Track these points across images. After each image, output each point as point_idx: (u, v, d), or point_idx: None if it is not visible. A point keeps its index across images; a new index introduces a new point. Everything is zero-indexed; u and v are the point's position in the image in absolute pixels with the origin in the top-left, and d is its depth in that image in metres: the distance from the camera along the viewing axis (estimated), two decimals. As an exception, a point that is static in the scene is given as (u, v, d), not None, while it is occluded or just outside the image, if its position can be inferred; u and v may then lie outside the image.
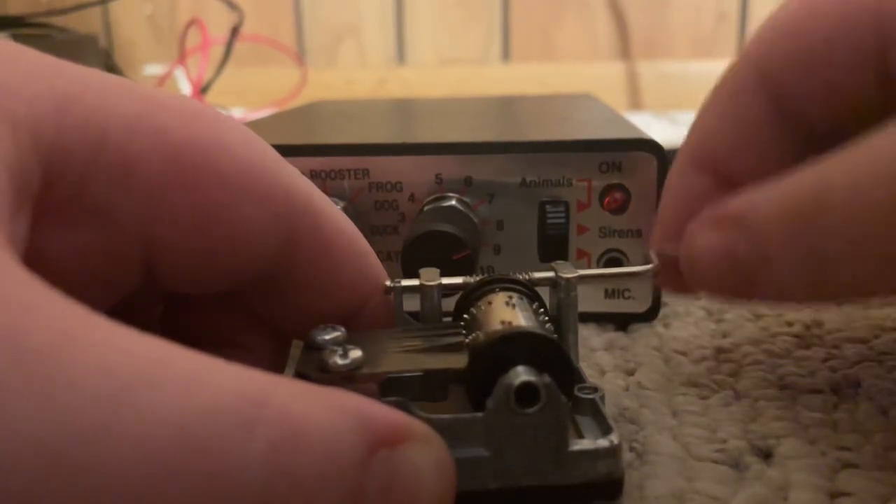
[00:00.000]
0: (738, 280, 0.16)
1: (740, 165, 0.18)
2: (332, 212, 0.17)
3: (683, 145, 0.20)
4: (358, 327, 0.17)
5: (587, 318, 0.25)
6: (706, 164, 0.19)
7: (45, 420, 0.09)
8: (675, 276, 0.18)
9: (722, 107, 0.19)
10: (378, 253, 0.18)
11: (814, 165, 0.15)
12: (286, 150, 0.16)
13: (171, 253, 0.15)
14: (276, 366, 0.18)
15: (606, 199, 0.24)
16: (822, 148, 0.15)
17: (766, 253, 0.15)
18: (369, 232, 0.18)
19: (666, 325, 0.25)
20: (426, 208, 0.24)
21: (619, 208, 0.24)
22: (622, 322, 0.25)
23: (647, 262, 0.19)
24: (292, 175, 0.16)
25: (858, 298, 0.18)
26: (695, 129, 0.20)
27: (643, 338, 0.24)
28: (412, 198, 0.25)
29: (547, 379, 0.14)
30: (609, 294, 0.25)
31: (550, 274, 0.18)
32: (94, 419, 0.09)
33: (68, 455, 0.09)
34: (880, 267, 0.13)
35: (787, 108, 0.18)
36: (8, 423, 0.09)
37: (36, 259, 0.13)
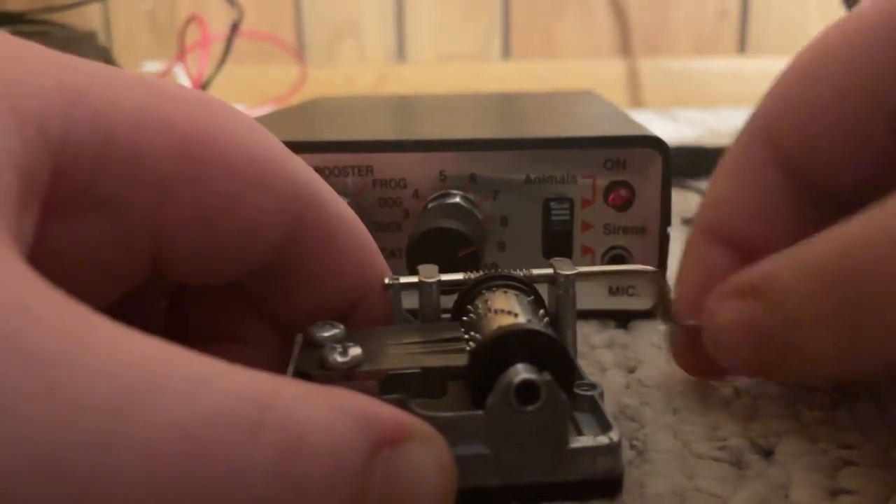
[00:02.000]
0: (766, 352, 0.15)
1: (755, 234, 0.18)
2: (337, 202, 0.17)
3: (697, 216, 0.19)
4: (357, 324, 0.17)
5: (591, 315, 0.25)
6: (721, 234, 0.19)
7: (50, 426, 0.09)
8: (696, 353, 0.18)
9: (732, 176, 0.19)
10: (382, 250, 0.18)
11: (835, 228, 0.14)
12: (289, 148, 0.16)
13: (179, 244, 0.15)
14: (280, 360, 0.18)
15: (611, 196, 0.24)
16: (838, 212, 0.14)
17: (793, 327, 0.15)
18: (373, 229, 0.18)
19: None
20: (430, 205, 0.24)
21: (624, 205, 0.24)
22: (624, 319, 0.25)
23: (668, 338, 0.19)
24: (298, 165, 0.16)
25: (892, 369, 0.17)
26: (707, 200, 0.19)
27: (644, 335, 0.24)
28: (416, 195, 0.25)
29: (547, 376, 0.14)
30: (613, 291, 0.25)
31: (549, 271, 0.18)
32: (100, 426, 0.09)
33: (73, 462, 0.09)
34: None
35: (799, 173, 0.18)
36: (12, 430, 0.08)
37: (44, 253, 0.13)
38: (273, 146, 0.16)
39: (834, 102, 0.17)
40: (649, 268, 0.19)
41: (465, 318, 0.17)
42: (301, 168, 0.16)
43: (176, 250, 0.15)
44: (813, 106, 0.17)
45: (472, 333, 0.16)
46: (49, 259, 0.13)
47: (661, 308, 0.19)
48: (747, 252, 0.18)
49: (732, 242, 0.19)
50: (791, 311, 0.15)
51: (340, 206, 0.17)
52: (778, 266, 0.15)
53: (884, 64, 0.16)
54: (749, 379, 0.20)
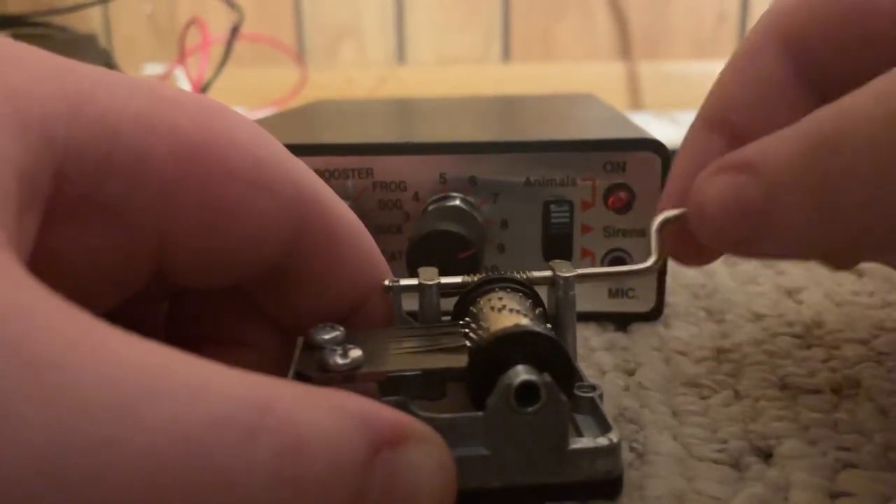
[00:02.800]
0: (747, 227, 0.15)
1: (757, 126, 0.18)
2: (339, 206, 0.17)
3: (701, 107, 0.19)
4: (357, 326, 0.17)
5: (591, 317, 0.25)
6: (721, 124, 0.19)
7: (50, 431, 0.09)
8: (682, 240, 0.18)
9: (740, 67, 0.19)
10: (382, 252, 0.18)
11: (827, 107, 0.14)
12: (290, 150, 0.16)
13: (183, 248, 0.15)
14: (281, 363, 0.18)
15: (611, 199, 0.24)
16: None
17: (777, 195, 0.14)
18: (373, 231, 0.18)
19: (666, 326, 0.25)
20: (430, 208, 0.24)
21: (624, 208, 0.24)
22: (624, 322, 0.25)
23: (654, 224, 0.19)
24: (300, 169, 0.16)
25: (866, 256, 0.17)
26: (712, 91, 0.19)
27: (643, 338, 0.24)
28: (416, 197, 0.25)
29: (547, 378, 0.14)
30: (613, 293, 0.25)
31: (549, 273, 0.18)
32: (100, 431, 0.09)
33: (73, 467, 0.09)
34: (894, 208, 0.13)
35: (809, 65, 0.18)
36: (12, 434, 0.08)
37: (46, 257, 0.13)
38: (275, 150, 0.16)
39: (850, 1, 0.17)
40: (647, 264, 0.19)
41: (464, 320, 0.17)
42: (303, 172, 0.16)
43: (178, 255, 0.15)
44: (829, 3, 0.17)
45: (472, 335, 0.16)
46: (52, 263, 0.13)
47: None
48: (747, 142, 0.17)
49: (733, 132, 0.18)
50: (772, 181, 0.15)
51: (343, 210, 0.17)
52: (769, 141, 0.15)
53: None
54: (750, 381, 0.20)
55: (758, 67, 0.18)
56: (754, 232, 0.15)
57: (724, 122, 0.19)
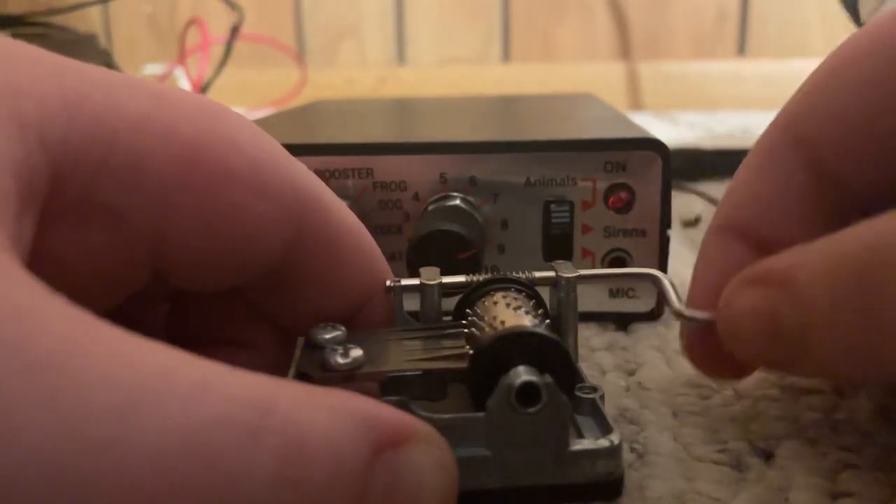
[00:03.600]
0: (782, 347, 0.15)
1: (777, 232, 0.17)
2: (339, 207, 0.17)
3: (716, 213, 0.19)
4: (358, 326, 0.17)
5: (591, 317, 0.25)
6: (741, 231, 0.18)
7: (52, 432, 0.09)
8: (711, 350, 0.17)
9: (755, 173, 0.18)
10: (382, 253, 0.18)
11: (865, 223, 0.13)
12: (289, 150, 0.16)
13: (181, 251, 0.15)
14: (281, 363, 0.18)
15: (611, 199, 0.24)
16: (862, 215, 0.14)
17: (813, 317, 0.14)
18: (373, 231, 0.18)
19: (667, 326, 0.25)
20: (430, 208, 0.24)
21: (624, 208, 0.24)
22: (624, 322, 0.25)
23: (681, 334, 0.18)
24: (300, 171, 0.16)
25: None
26: (729, 196, 0.19)
27: (644, 338, 0.24)
28: (416, 197, 0.25)
29: (548, 379, 0.14)
30: (614, 293, 0.25)
31: (550, 273, 0.18)
32: (102, 432, 0.09)
33: (76, 468, 0.09)
34: None
35: (826, 173, 0.17)
36: (14, 436, 0.08)
37: (44, 259, 0.13)
38: (276, 152, 0.16)
39: (863, 101, 0.16)
40: (650, 270, 0.19)
41: (466, 321, 0.17)
42: (303, 174, 0.16)
43: (178, 257, 0.15)
44: (842, 105, 0.17)
45: (474, 336, 0.16)
46: (50, 265, 0.13)
47: (667, 305, 0.18)
48: (766, 250, 0.17)
49: (752, 239, 0.18)
50: (810, 302, 0.14)
51: (343, 212, 0.17)
52: (801, 255, 0.14)
53: None
54: (750, 381, 0.20)
55: (774, 170, 0.18)
56: (789, 352, 0.15)
57: (745, 228, 0.18)
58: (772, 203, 0.18)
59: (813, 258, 0.14)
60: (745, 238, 0.18)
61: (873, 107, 0.16)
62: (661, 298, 0.18)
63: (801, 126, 0.18)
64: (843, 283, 0.13)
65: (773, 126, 0.18)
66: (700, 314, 0.17)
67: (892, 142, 0.16)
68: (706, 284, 0.18)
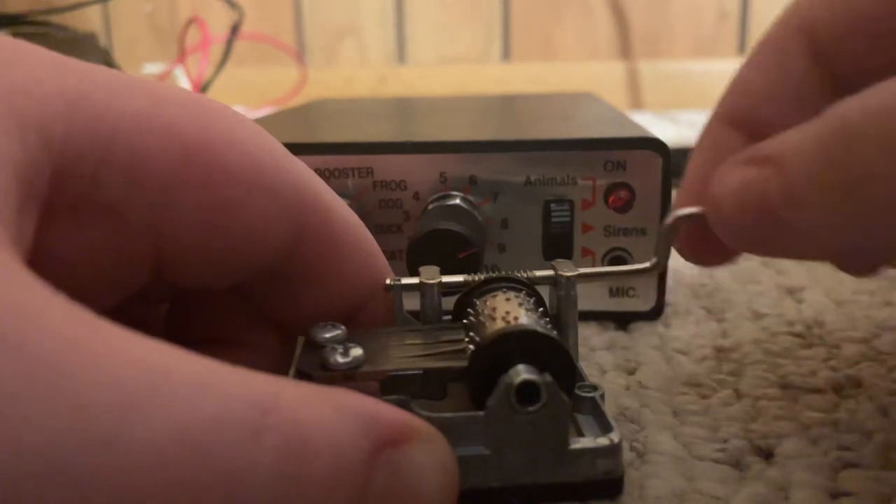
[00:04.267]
0: (766, 222, 0.15)
1: (779, 122, 0.17)
2: (340, 206, 0.17)
3: (718, 103, 0.19)
4: (359, 326, 0.17)
5: (591, 316, 0.25)
6: (741, 120, 0.18)
7: (53, 429, 0.09)
8: (699, 239, 0.18)
9: (761, 63, 0.18)
10: (382, 252, 0.18)
11: (851, 99, 0.14)
12: (290, 149, 0.16)
13: (182, 249, 0.15)
14: (282, 363, 0.18)
15: (611, 198, 0.24)
16: None
17: (799, 191, 0.14)
18: (373, 230, 0.18)
19: (667, 325, 0.25)
20: (431, 207, 0.24)
21: (624, 207, 0.24)
22: (624, 321, 0.25)
23: (668, 220, 0.18)
24: (300, 169, 0.16)
25: (889, 256, 0.17)
26: (731, 86, 0.19)
27: (644, 337, 0.24)
28: (416, 196, 0.25)
29: (548, 377, 0.14)
30: (613, 292, 0.25)
31: (550, 272, 0.18)
32: (102, 429, 0.09)
33: (76, 465, 0.09)
34: None
35: (830, 59, 0.17)
36: (14, 432, 0.08)
37: (44, 257, 0.13)
38: (276, 151, 0.16)
39: None
40: (648, 264, 0.19)
41: (465, 320, 0.17)
42: (304, 172, 0.16)
43: (178, 255, 0.15)
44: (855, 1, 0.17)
45: (473, 335, 0.16)
46: (50, 263, 0.13)
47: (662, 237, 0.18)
48: (764, 138, 0.17)
49: (752, 128, 0.18)
50: (796, 176, 0.14)
51: (343, 211, 0.17)
52: (789, 135, 0.15)
53: None
54: (750, 381, 0.20)
55: (780, 62, 0.18)
56: (775, 229, 0.15)
57: (745, 117, 0.18)
58: (772, 91, 0.18)
59: (803, 135, 0.14)
60: (743, 127, 0.18)
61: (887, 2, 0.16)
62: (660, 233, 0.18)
63: (803, 14, 0.18)
64: (826, 153, 0.14)
65: (783, 18, 0.18)
66: (689, 210, 0.17)
67: (889, 26, 0.16)
68: (701, 173, 0.18)
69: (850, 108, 0.14)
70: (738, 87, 0.19)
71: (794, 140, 0.15)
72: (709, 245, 0.17)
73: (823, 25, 0.18)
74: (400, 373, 0.15)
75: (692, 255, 0.19)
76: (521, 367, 0.14)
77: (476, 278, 0.18)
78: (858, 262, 0.18)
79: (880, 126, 0.13)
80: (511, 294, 0.17)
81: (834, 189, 0.14)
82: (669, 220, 0.18)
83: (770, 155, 0.15)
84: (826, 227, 0.14)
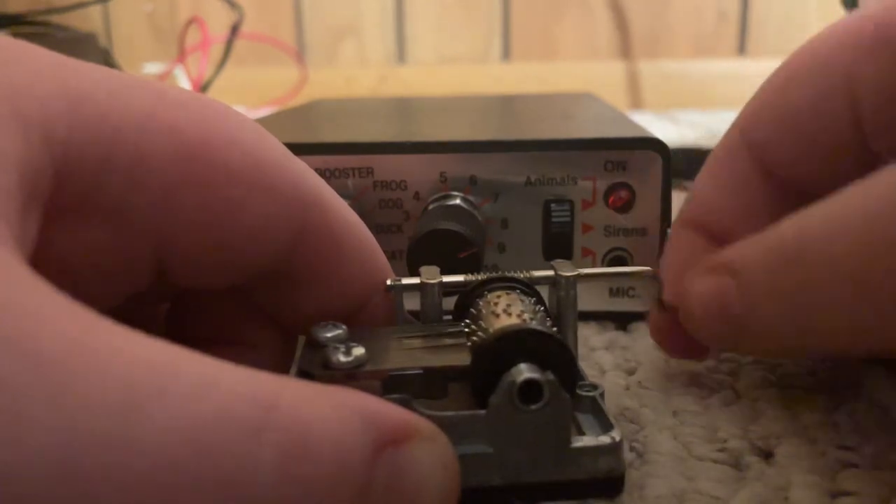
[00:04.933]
0: (728, 326, 0.16)
1: (733, 225, 0.20)
2: (340, 206, 0.17)
3: (680, 209, 0.21)
4: (360, 325, 0.17)
5: (591, 316, 0.25)
6: (700, 224, 0.20)
7: (57, 428, 0.09)
8: (676, 333, 0.19)
9: (713, 172, 0.21)
10: (383, 252, 0.18)
11: (790, 220, 0.15)
12: (290, 149, 0.16)
13: (183, 249, 0.15)
14: (283, 363, 0.18)
15: (611, 198, 0.24)
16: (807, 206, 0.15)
17: (752, 300, 0.16)
18: (374, 231, 0.18)
19: (667, 325, 0.25)
20: (431, 207, 0.24)
21: (624, 207, 0.24)
22: (624, 321, 0.25)
23: (650, 320, 0.20)
24: (301, 169, 0.16)
25: (838, 352, 0.19)
26: (691, 194, 0.21)
27: (643, 337, 0.24)
28: (417, 196, 0.25)
29: (550, 376, 0.14)
30: (614, 293, 0.25)
31: (550, 272, 0.18)
32: (105, 427, 0.09)
33: (80, 464, 0.09)
34: (858, 315, 0.14)
35: (771, 169, 0.19)
36: (18, 431, 0.09)
37: (47, 258, 0.13)
38: (277, 151, 0.16)
39: (804, 102, 0.18)
40: (649, 268, 0.19)
41: (466, 320, 0.17)
42: (305, 172, 0.16)
43: (179, 255, 0.15)
44: (786, 106, 0.19)
45: (475, 334, 0.16)
46: (53, 263, 0.13)
47: (657, 302, 0.20)
48: (724, 241, 0.19)
49: (712, 232, 0.20)
50: (751, 286, 0.16)
51: (344, 211, 0.17)
52: (745, 246, 0.16)
53: (851, 65, 0.18)
54: (750, 381, 0.20)
55: (728, 170, 0.20)
56: (734, 332, 0.16)
57: (703, 221, 0.20)
58: (726, 200, 0.20)
59: (754, 248, 0.16)
60: (704, 232, 0.20)
61: (805, 109, 0.18)
62: (657, 292, 0.20)
63: (752, 129, 0.20)
64: (776, 268, 0.15)
65: (731, 129, 0.20)
66: (669, 303, 0.19)
67: (830, 141, 0.18)
68: (672, 274, 0.20)
69: (790, 228, 0.15)
70: (698, 195, 0.21)
71: (746, 252, 0.16)
72: (689, 342, 0.19)
73: (760, 136, 0.19)
74: (401, 372, 0.15)
75: (675, 353, 0.21)
76: (523, 365, 0.14)
77: (476, 278, 0.18)
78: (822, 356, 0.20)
79: (812, 248, 0.14)
80: (511, 294, 0.17)
81: (780, 298, 0.15)
82: (662, 299, 0.20)
83: (726, 264, 0.16)
84: (778, 331, 0.15)
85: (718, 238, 0.20)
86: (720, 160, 0.20)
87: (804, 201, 0.15)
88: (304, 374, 0.15)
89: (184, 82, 0.67)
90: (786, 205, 0.18)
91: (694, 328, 0.18)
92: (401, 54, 0.87)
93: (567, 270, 0.18)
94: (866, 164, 0.15)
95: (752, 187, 0.20)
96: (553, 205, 0.24)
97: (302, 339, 0.17)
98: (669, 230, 0.20)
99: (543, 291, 0.18)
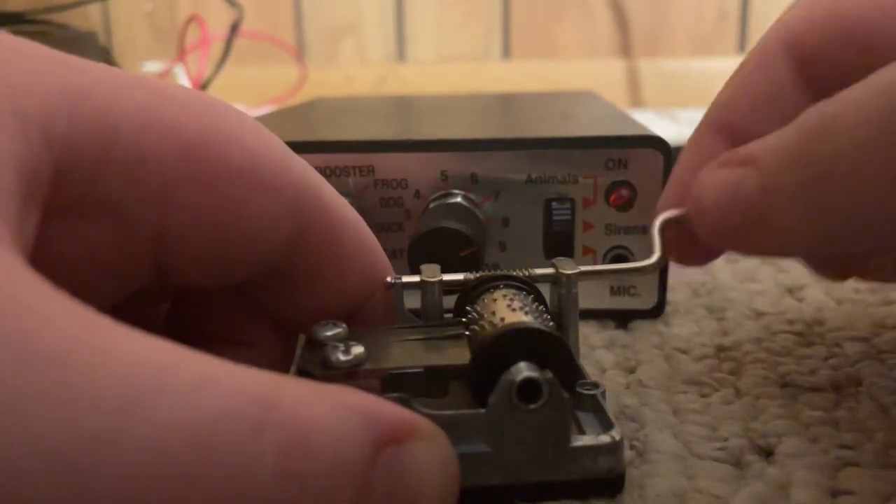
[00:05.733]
0: (743, 218, 0.16)
1: (762, 130, 0.18)
2: (341, 205, 0.17)
3: (707, 111, 0.20)
4: (360, 324, 0.17)
5: (592, 314, 0.25)
6: (727, 128, 0.19)
7: (56, 426, 0.09)
8: (682, 240, 0.18)
9: (748, 74, 0.19)
10: (383, 250, 0.18)
11: (823, 101, 0.14)
12: (291, 148, 0.16)
13: (183, 247, 0.15)
14: (281, 361, 0.18)
15: (612, 196, 0.24)
16: None
17: (772, 186, 0.15)
18: (374, 229, 0.18)
19: (667, 323, 0.25)
20: (432, 205, 0.24)
21: (625, 205, 0.24)
22: (625, 319, 0.25)
23: (655, 225, 0.19)
24: (302, 167, 0.16)
25: (859, 238, 0.17)
26: (719, 96, 0.20)
27: (644, 336, 0.24)
28: (417, 195, 0.25)
29: (549, 375, 0.14)
30: (615, 291, 0.25)
31: (551, 270, 0.18)
32: (104, 424, 0.09)
33: (80, 461, 0.09)
34: (883, 203, 0.13)
35: (815, 76, 0.18)
36: (18, 429, 0.08)
37: (46, 255, 0.13)
38: (277, 149, 0.16)
39: (859, 11, 0.17)
40: (650, 262, 0.19)
41: (466, 318, 0.17)
42: (305, 170, 0.16)
43: (179, 253, 0.15)
44: (837, 15, 0.18)
45: (474, 332, 0.16)
46: (52, 261, 0.13)
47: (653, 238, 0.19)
48: None
49: (739, 136, 0.19)
50: (770, 178, 0.15)
51: (345, 209, 0.17)
52: (767, 139, 0.16)
53: None
54: (750, 380, 0.20)
55: (766, 75, 0.19)
56: (750, 224, 0.16)
57: (730, 125, 0.19)
58: (757, 102, 0.19)
59: (776, 137, 0.15)
60: (729, 135, 0.19)
61: (865, 24, 0.17)
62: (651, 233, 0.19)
63: (793, 31, 0.19)
64: (799, 152, 0.14)
65: (769, 34, 0.19)
66: (672, 212, 0.19)
67: (881, 56, 0.17)
68: (685, 176, 0.19)
69: (821, 106, 0.14)
70: (725, 97, 0.20)
71: (770, 141, 0.15)
72: (693, 245, 0.18)
73: (806, 37, 0.18)
74: (401, 371, 0.15)
75: (678, 256, 0.20)
76: (522, 364, 0.14)
77: (477, 276, 0.18)
78: (832, 263, 0.18)
79: (846, 116, 0.14)
80: (511, 292, 0.17)
81: (805, 180, 0.14)
82: (656, 224, 0.19)
83: (747, 155, 0.16)
84: (798, 219, 0.15)
85: (743, 141, 0.18)
86: (755, 66, 0.19)
87: None
88: (304, 373, 0.15)
89: (183, 81, 0.67)
90: None
91: (704, 225, 0.17)
92: (401, 53, 0.87)
93: (568, 268, 0.18)
94: None
95: (789, 92, 0.19)
96: (554, 203, 0.24)
97: (302, 338, 0.17)
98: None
99: (544, 290, 0.18)
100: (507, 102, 0.42)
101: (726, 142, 0.19)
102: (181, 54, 0.67)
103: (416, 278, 0.18)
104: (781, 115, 0.18)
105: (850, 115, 0.14)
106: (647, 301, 0.25)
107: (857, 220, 0.14)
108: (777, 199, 0.15)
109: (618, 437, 0.15)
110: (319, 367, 0.15)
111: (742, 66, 0.20)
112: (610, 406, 0.17)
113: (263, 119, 0.33)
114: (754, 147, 0.16)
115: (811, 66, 0.18)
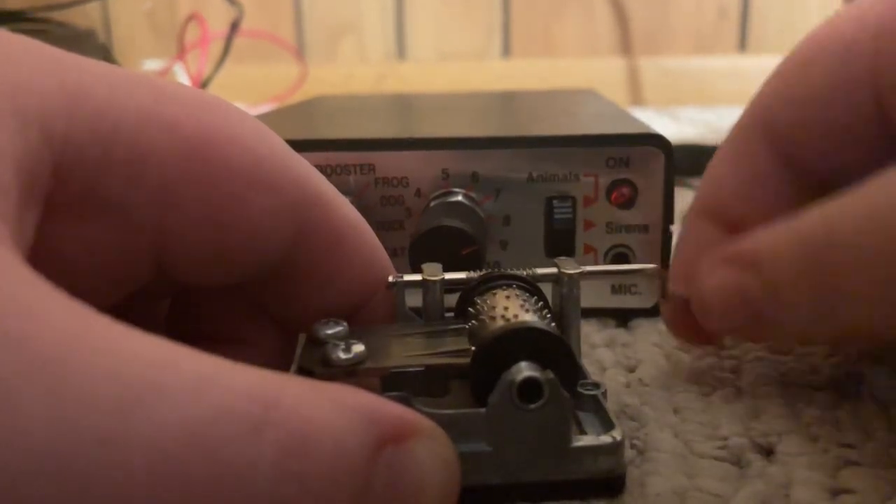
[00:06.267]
0: (750, 320, 0.16)
1: (748, 214, 0.19)
2: (342, 203, 0.17)
3: (694, 198, 0.21)
4: (361, 323, 0.17)
5: (593, 313, 0.25)
6: (715, 214, 0.20)
7: (55, 426, 0.09)
8: (687, 321, 0.19)
9: (729, 159, 0.20)
10: (384, 249, 0.18)
11: (821, 205, 0.15)
12: (291, 146, 0.16)
13: (183, 246, 0.15)
14: (283, 360, 0.18)
15: (614, 195, 0.24)
16: (824, 194, 0.15)
17: (778, 292, 0.16)
18: (375, 228, 0.18)
19: (667, 322, 0.25)
20: (433, 204, 0.24)
21: (627, 203, 0.24)
22: (625, 318, 0.25)
23: (662, 309, 0.20)
24: (302, 166, 0.16)
25: (866, 340, 0.19)
26: (704, 181, 0.20)
27: (644, 334, 0.24)
28: (418, 193, 0.25)
29: (550, 375, 0.14)
30: (616, 290, 0.25)
31: (553, 270, 0.18)
32: (104, 424, 0.09)
33: (79, 461, 0.09)
34: (887, 306, 0.14)
35: (791, 157, 0.19)
36: (16, 428, 0.08)
37: (46, 254, 0.13)
38: (278, 148, 0.16)
39: (827, 90, 0.18)
40: (653, 265, 0.19)
41: (467, 317, 0.17)
42: (305, 169, 0.16)
43: (180, 252, 0.15)
44: (807, 93, 0.18)
45: (475, 332, 0.16)
46: (52, 260, 0.13)
47: (662, 299, 0.20)
48: (737, 231, 0.19)
49: (726, 221, 0.20)
50: (774, 278, 0.16)
51: (346, 208, 0.17)
52: (766, 237, 0.16)
53: (875, 54, 0.17)
54: (750, 378, 0.20)
55: (745, 156, 0.20)
56: (756, 323, 0.16)
57: (720, 210, 0.20)
58: (741, 188, 0.20)
59: (776, 239, 0.16)
60: (718, 220, 0.20)
61: (836, 96, 0.18)
62: (661, 289, 0.20)
63: (768, 113, 0.19)
64: (802, 261, 0.15)
65: (745, 114, 0.20)
66: (681, 293, 0.19)
67: (852, 129, 0.18)
68: (683, 263, 0.20)
69: (819, 218, 0.15)
70: (711, 184, 0.20)
71: (768, 243, 0.16)
72: (695, 329, 0.19)
73: (780, 124, 0.19)
74: (402, 369, 0.15)
75: (684, 339, 0.21)
76: (523, 364, 0.14)
77: (478, 275, 0.18)
78: (839, 345, 0.20)
79: (844, 236, 0.14)
80: (513, 291, 0.17)
81: (809, 288, 0.15)
82: (668, 296, 0.20)
83: (746, 256, 0.16)
84: (805, 321, 0.16)
85: (733, 227, 0.19)
86: (736, 147, 0.20)
87: (824, 190, 0.15)
88: (305, 372, 0.15)
89: (183, 79, 0.67)
90: (805, 193, 0.18)
91: (710, 320, 0.18)
92: (401, 51, 0.87)
93: (571, 268, 0.18)
94: (891, 153, 0.15)
95: (769, 175, 0.19)
96: (555, 201, 0.24)
97: (302, 337, 0.17)
98: (672, 227, 0.20)
99: (546, 289, 0.18)
100: (508, 101, 0.42)
101: (719, 226, 0.20)
102: (181, 52, 0.67)
103: (417, 277, 0.18)
104: (768, 202, 0.19)
105: (843, 233, 0.14)
106: (647, 300, 0.25)
107: (860, 321, 0.15)
108: (783, 308, 0.16)
109: (619, 438, 0.15)
110: (320, 366, 0.15)
111: (722, 149, 0.20)
112: (610, 405, 0.17)
113: (263, 117, 0.33)
114: (750, 246, 0.16)
115: (789, 148, 0.19)
